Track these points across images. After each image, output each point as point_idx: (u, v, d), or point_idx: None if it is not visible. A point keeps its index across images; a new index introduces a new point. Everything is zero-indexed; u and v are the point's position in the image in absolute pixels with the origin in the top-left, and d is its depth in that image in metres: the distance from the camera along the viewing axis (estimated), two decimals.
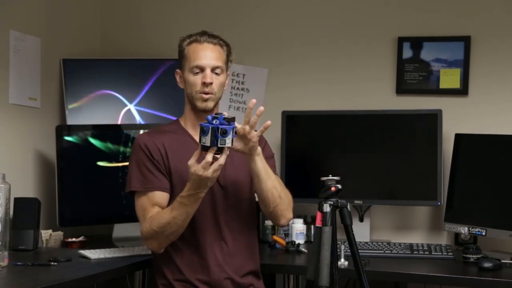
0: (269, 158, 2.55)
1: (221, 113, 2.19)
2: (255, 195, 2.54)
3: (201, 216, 2.43)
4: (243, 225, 2.52)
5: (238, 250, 2.49)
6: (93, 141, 3.14)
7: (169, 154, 2.46)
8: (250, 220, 2.56)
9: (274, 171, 2.55)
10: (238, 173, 2.51)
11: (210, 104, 2.46)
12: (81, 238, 3.04)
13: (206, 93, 2.44)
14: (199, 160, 2.23)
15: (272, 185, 2.43)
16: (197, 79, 2.45)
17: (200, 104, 2.46)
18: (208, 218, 2.45)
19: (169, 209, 2.36)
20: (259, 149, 2.38)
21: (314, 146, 3.31)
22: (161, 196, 2.43)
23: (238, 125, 2.28)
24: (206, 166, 2.20)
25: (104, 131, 3.17)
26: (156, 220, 2.37)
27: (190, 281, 2.43)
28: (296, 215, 3.28)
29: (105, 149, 3.15)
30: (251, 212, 2.57)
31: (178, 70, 2.54)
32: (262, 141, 2.56)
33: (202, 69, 2.45)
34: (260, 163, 2.39)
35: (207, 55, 2.45)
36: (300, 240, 3.15)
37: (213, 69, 2.45)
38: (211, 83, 2.44)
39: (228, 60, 2.53)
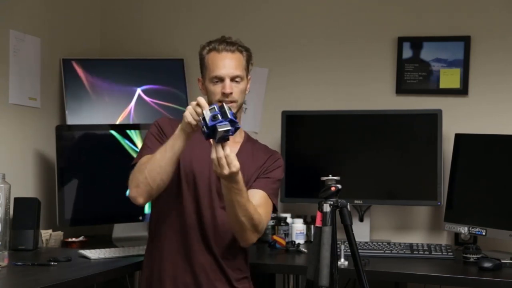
0: (271, 179, 2.53)
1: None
2: None
3: (197, 212, 2.46)
4: None
5: (226, 251, 2.50)
6: (93, 141, 3.14)
7: None
8: None
9: (271, 193, 2.51)
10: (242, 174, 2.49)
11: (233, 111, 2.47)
12: (81, 238, 3.05)
13: (227, 102, 2.43)
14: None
15: (233, 214, 2.36)
16: (216, 89, 2.46)
17: None
18: (204, 213, 2.47)
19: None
20: (238, 184, 2.30)
21: (314, 146, 3.31)
22: None
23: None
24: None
25: (104, 131, 3.17)
26: (139, 164, 2.41)
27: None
28: (296, 215, 3.30)
29: (105, 149, 3.15)
30: None
31: (200, 78, 2.57)
32: (275, 163, 2.56)
33: (221, 79, 2.46)
34: (226, 192, 2.33)
35: (226, 64, 2.46)
36: (300, 240, 3.15)
37: (232, 78, 2.46)
38: (231, 93, 2.45)
39: (248, 65, 2.54)
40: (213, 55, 2.49)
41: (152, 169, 2.34)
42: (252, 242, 2.48)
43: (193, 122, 2.26)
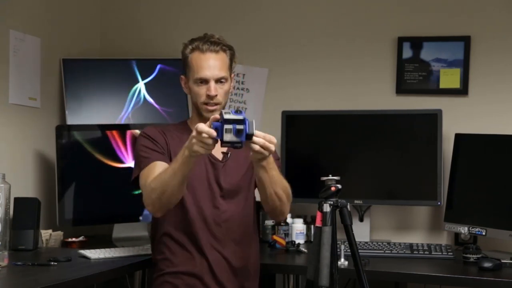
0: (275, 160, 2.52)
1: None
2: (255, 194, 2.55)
3: (199, 213, 2.45)
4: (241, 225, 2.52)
5: (235, 251, 2.49)
6: (92, 141, 3.14)
7: (170, 145, 2.46)
8: (248, 220, 2.56)
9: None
10: (239, 173, 2.51)
11: (216, 113, 2.46)
12: (81, 238, 3.04)
13: (212, 104, 2.43)
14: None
15: (273, 191, 2.38)
16: (201, 90, 2.44)
17: (206, 114, 2.44)
18: (207, 215, 2.46)
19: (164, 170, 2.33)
20: (270, 158, 2.30)
21: (314, 146, 3.31)
22: (162, 165, 2.38)
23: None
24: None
25: (104, 131, 3.17)
26: (152, 180, 2.34)
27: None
28: (296, 215, 3.30)
29: (105, 149, 3.15)
30: (250, 212, 2.57)
31: (182, 76, 2.53)
32: None
33: (206, 81, 2.43)
34: (265, 173, 2.31)
35: (210, 66, 2.42)
36: (300, 240, 3.15)
37: (217, 80, 2.43)
38: (216, 95, 2.43)
39: (231, 64, 2.51)
40: (197, 55, 2.44)
41: (164, 191, 2.29)
42: (287, 214, 2.60)
43: (211, 141, 2.16)
